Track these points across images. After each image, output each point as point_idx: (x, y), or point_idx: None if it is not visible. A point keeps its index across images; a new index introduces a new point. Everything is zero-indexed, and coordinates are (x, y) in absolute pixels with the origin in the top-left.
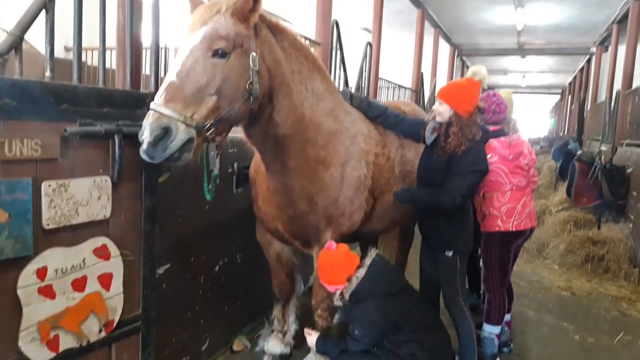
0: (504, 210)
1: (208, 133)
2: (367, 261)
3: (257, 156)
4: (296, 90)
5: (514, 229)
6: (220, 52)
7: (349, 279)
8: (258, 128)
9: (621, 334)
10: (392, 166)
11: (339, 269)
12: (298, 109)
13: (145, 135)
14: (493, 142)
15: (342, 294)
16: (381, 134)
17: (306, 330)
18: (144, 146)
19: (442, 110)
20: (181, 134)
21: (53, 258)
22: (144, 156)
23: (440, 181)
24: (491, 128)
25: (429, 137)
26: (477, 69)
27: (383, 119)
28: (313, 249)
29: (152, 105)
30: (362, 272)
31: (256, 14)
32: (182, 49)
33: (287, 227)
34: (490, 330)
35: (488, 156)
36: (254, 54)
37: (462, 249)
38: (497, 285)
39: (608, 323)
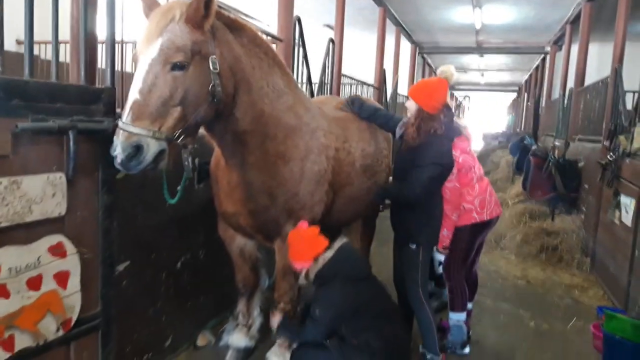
0: (477, 202)
1: (179, 141)
2: (336, 245)
3: (217, 151)
4: (256, 86)
5: (487, 218)
6: (178, 64)
7: (315, 259)
8: (218, 124)
9: (574, 320)
10: (352, 160)
11: (306, 247)
12: (258, 105)
13: (118, 152)
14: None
15: (307, 273)
16: (342, 128)
17: (272, 313)
18: (118, 160)
19: (409, 106)
20: (152, 147)
21: (6, 257)
22: (119, 168)
23: (406, 174)
24: None
25: (398, 132)
26: (445, 68)
27: (373, 118)
28: (275, 242)
29: (120, 124)
30: (329, 254)
31: (210, 19)
32: (141, 63)
33: (249, 221)
34: (457, 317)
35: (455, 153)
36: (214, 56)
37: (425, 243)
38: (457, 273)
39: (561, 310)
